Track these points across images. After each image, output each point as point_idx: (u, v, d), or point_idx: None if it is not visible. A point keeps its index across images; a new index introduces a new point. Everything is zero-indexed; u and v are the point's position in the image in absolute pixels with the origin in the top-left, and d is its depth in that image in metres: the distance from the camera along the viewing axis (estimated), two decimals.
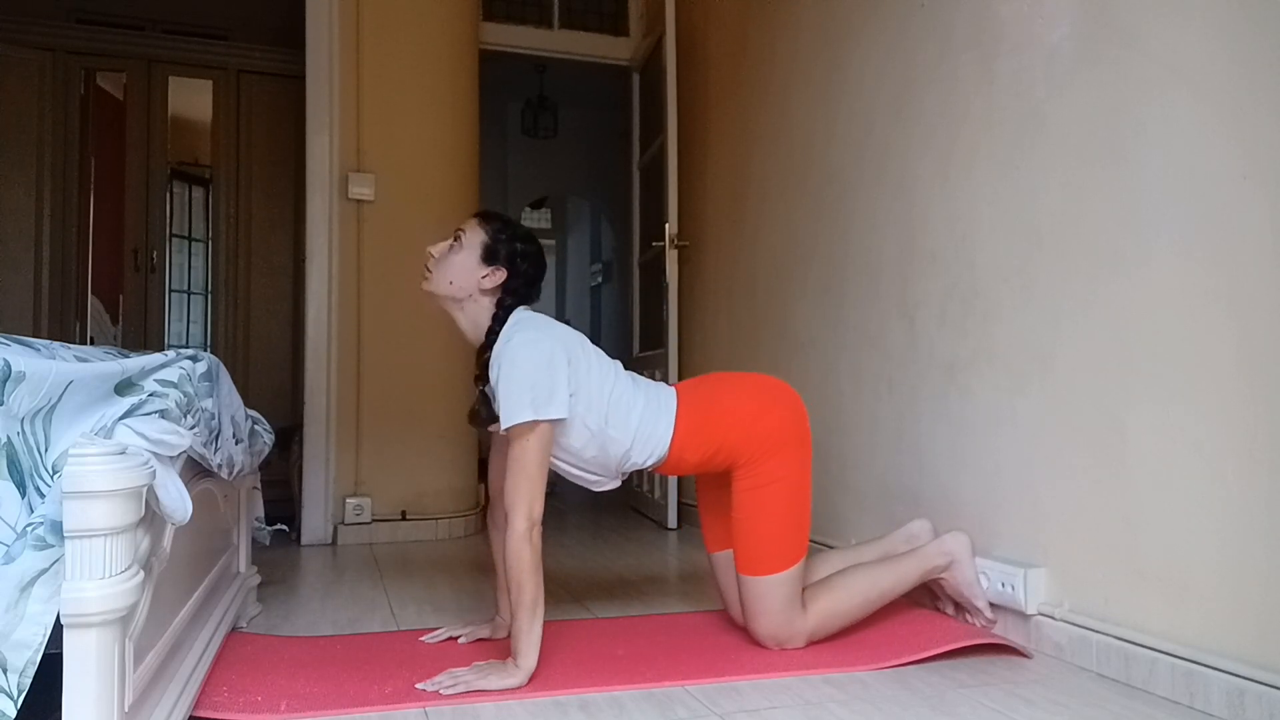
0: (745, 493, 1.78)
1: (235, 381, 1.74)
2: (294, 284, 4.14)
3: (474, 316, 1.78)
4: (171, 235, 4.12)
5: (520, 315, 1.76)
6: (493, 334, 1.74)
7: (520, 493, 1.60)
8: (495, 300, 1.77)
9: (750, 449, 1.77)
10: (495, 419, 1.72)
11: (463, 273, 1.76)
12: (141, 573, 1.01)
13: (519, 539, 1.57)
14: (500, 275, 1.76)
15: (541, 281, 1.83)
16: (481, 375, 1.77)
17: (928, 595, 2.00)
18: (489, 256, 1.76)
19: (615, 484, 1.86)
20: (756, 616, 1.77)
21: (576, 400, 1.69)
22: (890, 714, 1.43)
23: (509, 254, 1.77)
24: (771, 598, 1.75)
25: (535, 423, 1.61)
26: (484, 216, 1.81)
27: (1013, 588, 1.79)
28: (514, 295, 1.78)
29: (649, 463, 1.80)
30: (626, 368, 1.85)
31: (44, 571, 0.93)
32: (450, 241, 1.79)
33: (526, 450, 1.62)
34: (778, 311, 2.96)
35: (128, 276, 4.02)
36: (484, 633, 1.87)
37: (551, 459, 1.73)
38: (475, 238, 1.77)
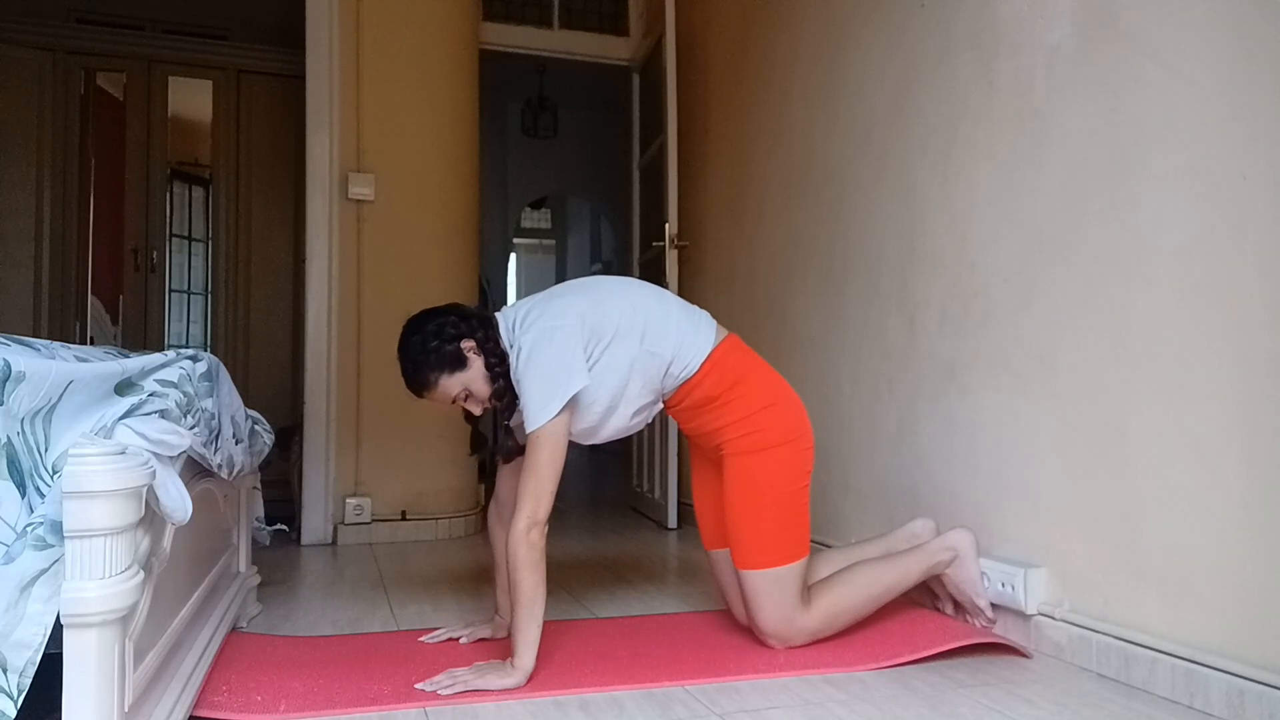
0: (737, 486, 1.78)
1: (235, 381, 1.74)
2: (294, 284, 4.13)
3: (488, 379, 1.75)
4: (171, 235, 4.11)
5: (511, 317, 1.75)
6: (494, 370, 1.71)
7: (526, 490, 1.61)
8: (490, 357, 1.72)
9: (744, 430, 1.78)
10: (522, 450, 1.73)
11: (480, 386, 1.71)
12: (141, 573, 1.01)
13: (516, 537, 1.58)
14: (471, 345, 1.71)
15: (471, 307, 1.78)
16: (504, 411, 1.76)
17: (927, 594, 2.00)
18: (454, 363, 1.69)
19: (659, 406, 1.87)
20: (757, 611, 1.77)
21: (601, 351, 1.70)
22: (890, 714, 1.43)
23: (452, 338, 1.69)
24: (769, 592, 1.74)
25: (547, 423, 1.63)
26: (412, 378, 1.71)
27: (1013, 588, 1.79)
28: (491, 340, 1.73)
29: (685, 372, 1.79)
30: None
31: (44, 571, 0.93)
32: (462, 404, 1.75)
33: (537, 447, 1.63)
34: (778, 311, 2.96)
35: (128, 276, 4.01)
36: (484, 633, 1.87)
37: (593, 422, 1.74)
38: (447, 384, 1.70)
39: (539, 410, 1.63)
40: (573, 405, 1.67)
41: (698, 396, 1.82)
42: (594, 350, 1.71)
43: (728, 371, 1.80)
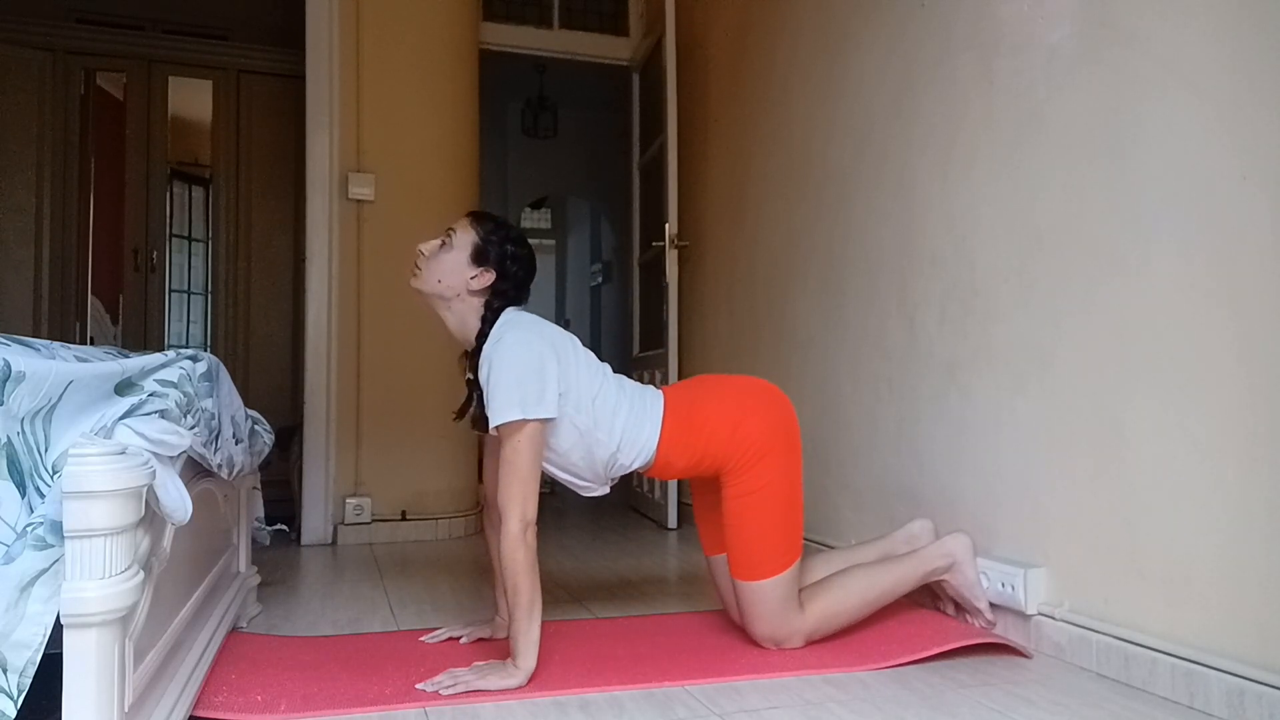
0: (735, 500, 1.77)
1: (235, 381, 1.74)
2: (294, 284, 4.14)
3: (461, 316, 1.78)
4: (171, 235, 4.12)
5: (510, 315, 1.75)
6: (481, 335, 1.74)
7: (513, 494, 1.60)
8: (483, 301, 1.77)
9: (736, 454, 1.76)
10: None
11: (451, 272, 1.75)
12: (141, 573, 1.01)
13: (513, 541, 1.57)
14: (489, 277, 1.75)
15: (531, 283, 1.82)
16: (474, 376, 1.77)
17: (928, 595, 2.00)
18: (479, 257, 1.76)
19: (604, 490, 1.86)
20: (754, 620, 1.77)
21: (566, 400, 1.69)
22: (890, 714, 1.43)
23: (499, 256, 1.76)
24: (767, 601, 1.75)
25: (524, 422, 1.62)
26: (476, 217, 1.81)
27: (1013, 588, 1.79)
28: (502, 297, 1.77)
29: (636, 465, 1.80)
30: (627, 368, 1.85)
31: (44, 571, 0.93)
32: (440, 240, 1.79)
33: (518, 450, 1.61)
34: (778, 311, 2.96)
35: (128, 276, 4.02)
36: (484, 633, 1.87)
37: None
38: (466, 238, 1.77)
39: (501, 408, 1.61)
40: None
41: (679, 469, 1.81)
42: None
43: (685, 432, 1.78)
